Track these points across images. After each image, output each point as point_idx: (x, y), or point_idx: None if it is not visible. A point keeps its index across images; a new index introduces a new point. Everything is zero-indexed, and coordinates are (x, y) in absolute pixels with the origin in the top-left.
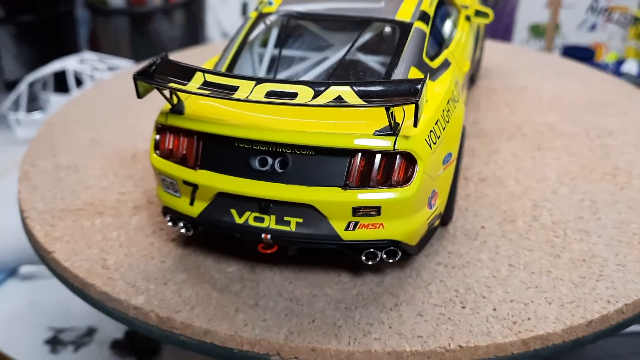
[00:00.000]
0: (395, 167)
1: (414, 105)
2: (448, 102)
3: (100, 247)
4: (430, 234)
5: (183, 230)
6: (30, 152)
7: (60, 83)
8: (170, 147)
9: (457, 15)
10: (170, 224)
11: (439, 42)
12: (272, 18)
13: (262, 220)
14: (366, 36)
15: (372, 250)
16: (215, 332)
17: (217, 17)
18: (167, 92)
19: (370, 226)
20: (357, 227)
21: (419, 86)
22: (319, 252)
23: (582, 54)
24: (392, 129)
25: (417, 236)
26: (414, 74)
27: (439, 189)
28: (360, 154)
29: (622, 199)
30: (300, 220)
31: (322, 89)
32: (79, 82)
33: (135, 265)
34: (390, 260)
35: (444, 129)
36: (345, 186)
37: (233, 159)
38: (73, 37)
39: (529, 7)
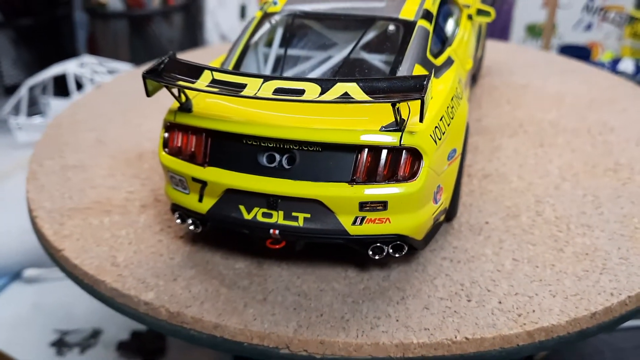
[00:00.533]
0: (401, 163)
1: (419, 101)
2: (452, 99)
3: (109, 245)
4: (435, 228)
5: (192, 227)
6: (37, 152)
7: (60, 87)
8: (179, 144)
9: (459, 13)
10: (179, 220)
11: (442, 40)
12: (276, 18)
13: (270, 216)
14: (370, 35)
15: (378, 244)
16: (225, 326)
17: (215, 20)
18: (175, 90)
19: (376, 221)
20: (364, 222)
21: (424, 82)
22: (326, 247)
23: (578, 54)
24: (398, 125)
25: (423, 231)
26: (418, 71)
27: (444, 184)
28: (366, 149)
29: (624, 193)
30: (308, 215)
31: (329, 85)
32: (79, 86)
33: (144, 262)
34: (397, 255)
35: (448, 125)
36: (352, 181)
37: (241, 156)
38: (72, 41)
39: (525, 7)
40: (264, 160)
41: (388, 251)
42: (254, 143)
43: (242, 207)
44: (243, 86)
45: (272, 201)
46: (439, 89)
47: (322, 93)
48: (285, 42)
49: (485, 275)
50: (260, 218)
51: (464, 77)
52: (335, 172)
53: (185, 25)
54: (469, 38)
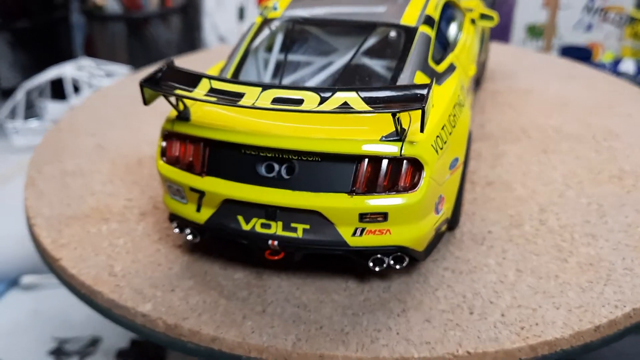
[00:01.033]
0: (401, 173)
1: (420, 111)
2: (454, 107)
3: (107, 254)
4: (437, 239)
5: (190, 237)
6: (35, 157)
7: (57, 90)
8: (177, 153)
9: (462, 18)
10: (177, 230)
11: (445, 46)
12: (277, 23)
13: (269, 226)
14: (371, 41)
15: (379, 256)
16: (223, 339)
17: (213, 22)
18: (173, 99)
19: (377, 232)
20: (364, 233)
21: (425, 92)
22: (326, 258)
23: (580, 54)
24: (399, 135)
25: (424, 242)
26: (420, 78)
27: (445, 194)
28: (366, 159)
29: (628, 201)
30: (307, 226)
31: (328, 95)
32: (76, 89)
33: (142, 272)
34: (398, 267)
35: (450, 134)
36: (351, 192)
37: (240, 166)
38: (69, 43)
39: (525, 7)
40: (262, 170)
41: (389, 262)
42: (252, 153)
43: (240, 218)
44: (241, 95)
45: (270, 212)
46: (441, 96)
47: (320, 102)
48: (285, 48)
49: (488, 287)
50: (258, 229)
51: (467, 84)
52: (334, 183)
53: (183, 28)
54: (472, 43)
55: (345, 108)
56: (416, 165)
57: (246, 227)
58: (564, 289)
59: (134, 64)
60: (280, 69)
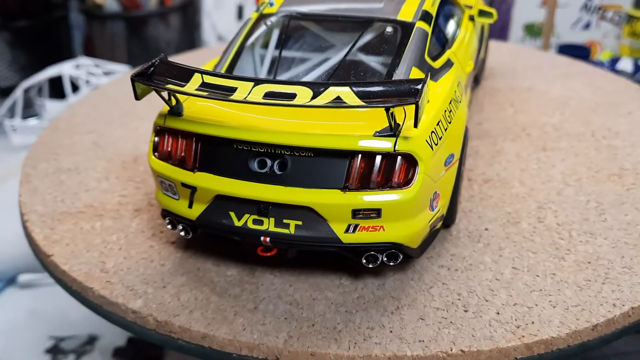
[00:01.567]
0: (395, 169)
1: (414, 106)
2: (450, 103)
3: (99, 251)
4: (432, 236)
5: (182, 233)
6: (32, 155)
7: (55, 89)
8: (169, 149)
9: (460, 15)
10: (169, 226)
11: (442, 42)
12: (272, 19)
13: (261, 222)
14: (367, 36)
15: (372, 253)
16: (214, 336)
17: (212, 21)
18: (165, 94)
19: (370, 229)
20: (357, 229)
21: (419, 86)
22: (320, 254)
23: (578, 53)
24: (393, 130)
25: (418, 239)
26: (416, 74)
27: (440, 190)
28: (360, 155)
29: (628, 200)
30: (300, 222)
31: (321, 89)
32: (74, 88)
33: (134, 269)
34: (391, 263)
35: (445, 130)
36: (345, 188)
37: (232, 161)
38: (68, 43)
39: (524, 6)
40: (255, 165)
41: (382, 260)
42: (244, 148)
43: (232, 214)
44: (233, 90)
45: (262, 208)
46: (437, 92)
47: (313, 97)
48: (281, 44)
49: (484, 285)
50: (250, 225)
51: (464, 80)
52: (327, 179)
53: (182, 27)
54: (470, 40)
55: (338, 103)
56: (410, 161)
57: (238, 223)
58: (561, 287)
59: (133, 63)
60: (280, 64)
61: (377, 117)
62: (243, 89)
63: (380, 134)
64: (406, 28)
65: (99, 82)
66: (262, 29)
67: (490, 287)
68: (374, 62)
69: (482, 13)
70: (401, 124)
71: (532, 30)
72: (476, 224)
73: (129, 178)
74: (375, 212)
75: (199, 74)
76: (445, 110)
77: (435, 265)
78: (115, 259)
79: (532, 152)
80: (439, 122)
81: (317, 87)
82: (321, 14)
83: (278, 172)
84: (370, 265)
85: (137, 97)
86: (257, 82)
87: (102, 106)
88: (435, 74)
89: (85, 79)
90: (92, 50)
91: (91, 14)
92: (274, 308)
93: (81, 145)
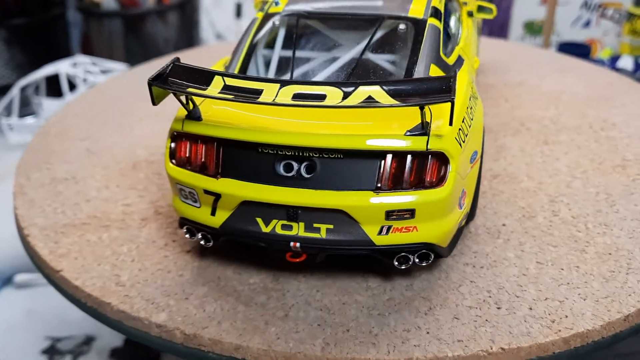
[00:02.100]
0: (428, 168)
1: (448, 104)
2: (470, 99)
3: (111, 263)
4: (459, 234)
5: (202, 242)
6: (23, 164)
7: (53, 87)
8: (187, 155)
9: (459, 11)
10: (188, 235)
11: (451, 39)
12: (279, 18)
13: (290, 228)
14: (380, 34)
15: (403, 254)
16: (247, 347)
17: (210, 19)
18: (183, 98)
19: (403, 230)
20: (390, 231)
21: (451, 83)
22: (344, 257)
23: (578, 51)
24: (424, 128)
25: (449, 237)
26: (434, 71)
27: (467, 188)
28: (391, 155)
29: (636, 190)
30: (331, 226)
31: (351, 89)
32: (72, 86)
33: (151, 281)
34: (424, 264)
35: (469, 127)
36: (377, 189)
37: (257, 166)
38: (65, 41)
39: (524, 4)
40: (281, 169)
41: (414, 260)
42: (270, 151)
43: (259, 220)
44: (259, 92)
45: (292, 212)
46: (457, 89)
47: (344, 98)
48: (290, 44)
49: (511, 281)
50: (279, 230)
51: (474, 76)
52: (358, 180)
53: (180, 25)
54: (472, 36)
55: (370, 102)
56: (441, 160)
57: (266, 229)
58: (588, 280)
59: (131, 61)
60: (288, 65)
61: (404, 116)
62: (270, 91)
63: (412, 133)
64: (418, 25)
65: (97, 80)
66: (270, 28)
67: (518, 283)
68: (389, 60)
69: (481, 9)
70: (430, 122)
71: (532, 28)
72: (493, 219)
73: (129, 186)
74: (408, 213)
75: (219, 77)
76: (467, 107)
77: (460, 264)
78: (130, 271)
79: (534, 146)
80: (463, 119)
81: (346, 87)
82: (330, 13)
83: (306, 175)
84: (402, 267)
85: (154, 102)
86: (284, 83)
87: (93, 110)
88: (450, 70)
89: (82, 77)
90: (90, 48)
91: (88, 11)
92: (304, 315)
93: (74, 152)
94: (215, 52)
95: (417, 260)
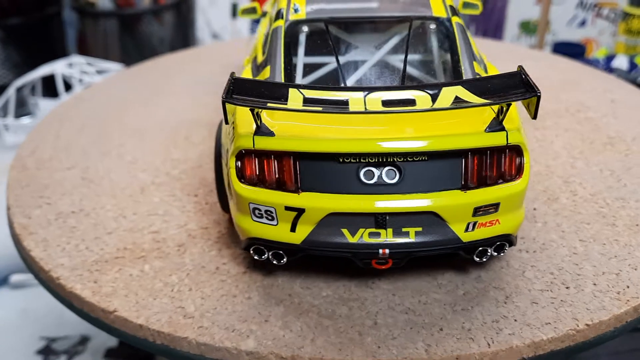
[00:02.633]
0: (507, 161)
1: (535, 99)
2: None
3: (168, 295)
4: None
5: (275, 261)
6: (13, 202)
7: (48, 87)
8: (258, 172)
9: None
10: (256, 256)
11: None
12: (309, 25)
13: (377, 235)
14: (413, 35)
15: (481, 248)
16: None
17: (206, 18)
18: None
19: (487, 224)
20: (476, 227)
21: (525, 78)
22: (422, 259)
23: (573, 50)
24: (500, 124)
25: (520, 226)
26: (478, 69)
27: None
28: (474, 152)
29: (632, 164)
30: (419, 229)
31: (436, 91)
32: (68, 86)
33: (221, 308)
34: (502, 254)
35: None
36: (464, 187)
37: (339, 176)
38: (61, 40)
39: (519, 3)
40: (365, 177)
41: (492, 253)
42: (352, 160)
43: (345, 231)
44: (345, 102)
45: (380, 219)
46: None
47: (433, 100)
48: (326, 51)
49: (566, 260)
50: (367, 239)
51: None
52: (445, 180)
53: (176, 24)
54: None
55: (460, 103)
56: (517, 152)
57: (352, 239)
58: (630, 251)
59: (127, 61)
60: (334, 71)
61: (475, 113)
62: (356, 100)
63: (491, 129)
64: (445, 24)
65: (92, 80)
66: (299, 36)
67: (573, 262)
68: (432, 60)
69: (467, 5)
70: (502, 118)
71: (527, 28)
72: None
73: (148, 212)
74: (493, 207)
75: (295, 89)
76: None
77: (514, 251)
78: (193, 301)
79: (526, 132)
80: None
81: (431, 90)
82: (357, 16)
83: (391, 181)
84: (484, 259)
85: (228, 121)
86: (369, 90)
87: (64, 133)
88: (482, 65)
89: (78, 77)
90: (86, 48)
91: (84, 11)
92: (393, 320)
93: (70, 183)
94: (212, 51)
95: (495, 253)
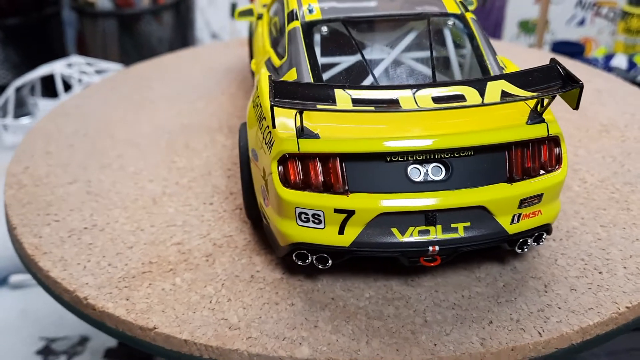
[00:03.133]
0: (547, 152)
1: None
2: None
3: (206, 308)
4: None
5: (320, 265)
6: (17, 222)
7: (48, 87)
8: (302, 176)
9: None
10: (300, 261)
11: None
12: (328, 26)
13: (427, 232)
14: (434, 32)
15: (521, 239)
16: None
17: (206, 18)
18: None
19: (531, 215)
20: (521, 218)
21: (561, 70)
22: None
23: (572, 49)
24: (540, 116)
25: (557, 215)
26: (500, 63)
27: None
28: (518, 145)
29: (630, 150)
30: (468, 224)
31: (483, 86)
32: (67, 86)
33: (266, 316)
34: (541, 243)
35: None
36: (510, 180)
37: (387, 175)
38: (60, 40)
39: (518, 3)
40: (414, 175)
41: (531, 243)
42: (399, 159)
43: (394, 230)
44: (395, 101)
45: (430, 217)
46: None
47: (482, 95)
48: (350, 50)
49: (593, 246)
50: (416, 237)
51: None
52: (491, 174)
53: (175, 24)
54: None
55: (508, 97)
56: (555, 143)
57: (402, 238)
58: None
59: (126, 61)
60: (362, 70)
61: (513, 107)
62: (405, 98)
63: (533, 122)
64: (461, 20)
65: (91, 80)
66: (319, 37)
67: (599, 247)
68: (457, 55)
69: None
70: (542, 110)
71: (527, 27)
72: None
73: (167, 223)
74: (537, 198)
75: (340, 90)
76: None
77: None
78: (235, 311)
79: None
80: None
81: (477, 85)
82: (374, 15)
83: (439, 178)
84: (525, 250)
85: (275, 125)
86: (416, 88)
87: (53, 149)
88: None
89: (77, 77)
90: (85, 48)
91: (83, 11)
92: (442, 317)
93: (76, 198)
94: (211, 51)
95: (535, 244)
